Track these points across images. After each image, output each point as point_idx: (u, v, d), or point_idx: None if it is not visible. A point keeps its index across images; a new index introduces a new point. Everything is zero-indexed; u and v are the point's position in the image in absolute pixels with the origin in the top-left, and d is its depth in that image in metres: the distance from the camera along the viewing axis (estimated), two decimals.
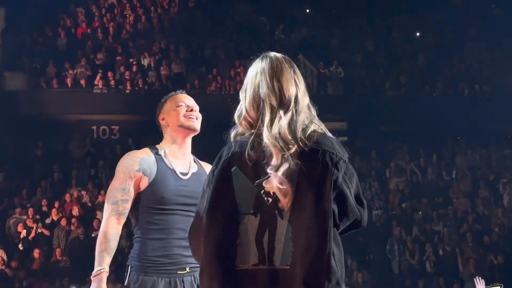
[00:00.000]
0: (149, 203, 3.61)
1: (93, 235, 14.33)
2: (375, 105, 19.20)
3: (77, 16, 20.69)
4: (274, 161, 2.39)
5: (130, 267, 3.61)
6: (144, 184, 3.62)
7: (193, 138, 3.90)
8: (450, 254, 14.98)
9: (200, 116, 3.82)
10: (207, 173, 2.76)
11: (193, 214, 2.65)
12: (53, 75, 18.75)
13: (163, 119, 3.84)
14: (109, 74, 18.76)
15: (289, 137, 2.40)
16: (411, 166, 18.09)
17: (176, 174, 3.67)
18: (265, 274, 2.37)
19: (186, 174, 3.71)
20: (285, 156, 2.37)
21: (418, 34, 22.32)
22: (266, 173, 2.41)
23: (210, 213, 2.45)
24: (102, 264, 3.45)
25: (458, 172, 17.89)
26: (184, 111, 3.78)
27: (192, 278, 3.59)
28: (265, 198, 2.41)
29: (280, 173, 2.36)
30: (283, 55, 2.61)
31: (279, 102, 2.47)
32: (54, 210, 14.99)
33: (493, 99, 19.59)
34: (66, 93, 18.62)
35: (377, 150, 18.82)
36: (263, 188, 2.40)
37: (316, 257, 2.32)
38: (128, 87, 18.69)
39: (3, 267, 13.52)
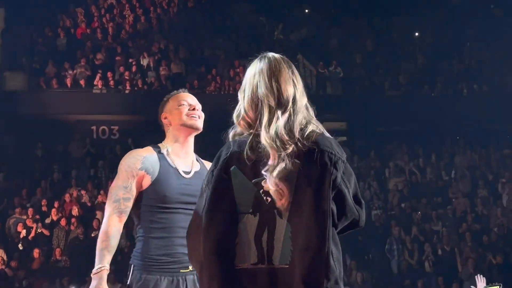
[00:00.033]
0: (152, 202, 3.61)
1: (92, 235, 14.34)
2: (374, 105, 19.22)
3: (77, 16, 20.69)
4: (270, 162, 2.40)
5: (133, 266, 3.61)
6: (146, 182, 3.62)
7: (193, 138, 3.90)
8: (449, 254, 14.99)
9: (202, 114, 3.82)
10: None
11: None
12: (52, 75, 18.75)
13: (165, 118, 3.83)
14: (109, 74, 18.77)
15: (286, 137, 2.41)
16: (410, 166, 18.11)
17: (179, 172, 3.67)
18: (264, 273, 2.39)
19: (189, 172, 3.70)
20: (282, 156, 2.38)
21: (417, 34, 22.33)
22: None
23: (209, 212, 2.46)
24: (103, 262, 3.44)
25: (457, 172, 17.91)
26: (187, 110, 3.77)
27: (195, 277, 3.58)
28: (264, 198, 2.42)
29: (275, 173, 2.38)
30: (281, 56, 2.62)
31: (277, 102, 2.48)
32: (53, 210, 15.00)
33: (492, 99, 19.61)
34: (66, 93, 18.62)
35: (376, 150, 18.83)
36: (262, 187, 2.41)
37: (315, 256, 2.34)
38: (128, 87, 18.70)
39: (3, 267, 13.52)
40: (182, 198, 3.59)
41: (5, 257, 13.76)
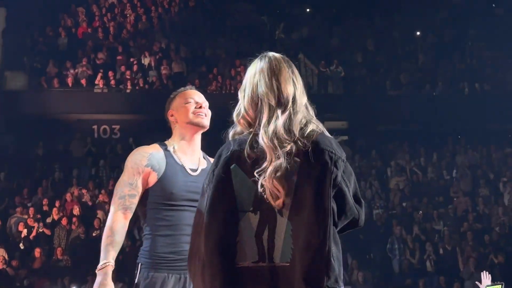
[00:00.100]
0: (158, 199, 3.60)
1: (94, 235, 14.36)
2: (375, 104, 19.22)
3: (78, 15, 20.71)
4: (267, 161, 2.42)
5: (140, 265, 3.60)
6: (152, 179, 3.61)
7: None
8: (450, 253, 14.99)
9: (209, 112, 3.80)
10: None
11: None
12: (53, 74, 18.77)
13: (172, 115, 3.80)
14: (110, 73, 18.78)
15: (286, 136, 2.43)
16: (411, 165, 18.10)
17: (186, 170, 3.66)
18: (265, 271, 2.40)
19: (196, 170, 3.69)
20: (278, 155, 2.40)
21: (418, 33, 22.33)
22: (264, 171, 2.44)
23: (210, 211, 2.47)
24: (108, 257, 3.43)
25: (458, 171, 17.90)
26: (193, 107, 3.75)
27: None
28: (265, 196, 2.43)
29: (270, 173, 2.39)
30: (281, 55, 2.64)
31: (277, 101, 2.50)
32: (55, 209, 15.01)
33: (494, 98, 19.60)
34: (67, 92, 18.65)
35: (378, 149, 18.84)
36: (262, 186, 2.42)
37: (316, 254, 2.35)
38: (129, 87, 18.71)
39: (4, 266, 13.53)
40: (189, 196, 3.58)
41: (6, 257, 13.77)
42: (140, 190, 3.61)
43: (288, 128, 2.45)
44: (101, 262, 3.44)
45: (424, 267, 14.91)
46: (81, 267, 13.59)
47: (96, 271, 3.44)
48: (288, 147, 2.41)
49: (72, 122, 19.05)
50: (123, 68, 19.00)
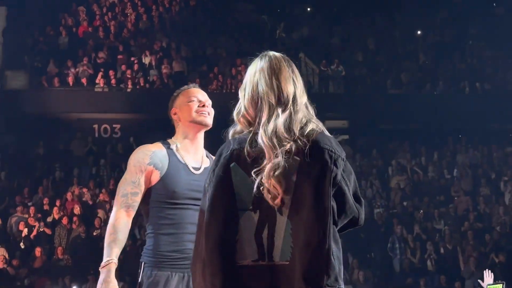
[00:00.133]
0: (161, 198, 3.59)
1: (94, 234, 14.37)
2: (376, 104, 19.23)
3: (78, 15, 20.72)
4: (265, 160, 2.43)
5: (144, 263, 3.59)
6: (155, 178, 3.60)
7: None
8: (451, 252, 15.00)
9: (212, 111, 3.79)
10: None
11: None
12: (54, 74, 18.77)
13: (175, 113, 3.79)
14: (111, 72, 18.78)
15: (286, 134, 2.44)
16: (412, 164, 18.10)
17: (188, 168, 3.65)
18: (265, 270, 2.40)
19: (199, 168, 3.68)
20: (277, 154, 2.41)
21: (419, 32, 22.33)
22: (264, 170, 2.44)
23: (211, 211, 2.48)
24: (111, 255, 3.42)
25: (459, 170, 17.90)
26: (196, 106, 3.74)
27: None
28: (264, 195, 2.43)
29: (267, 170, 2.40)
30: (282, 54, 2.64)
31: (277, 100, 2.51)
32: (55, 208, 15.01)
33: (494, 97, 19.61)
34: (68, 91, 18.66)
35: (378, 148, 18.84)
36: (262, 184, 2.42)
37: (316, 253, 2.36)
38: (130, 86, 18.71)
39: (5, 265, 13.54)
40: (191, 194, 3.57)
41: (7, 256, 13.77)
42: (142, 188, 3.60)
43: (289, 127, 2.46)
44: (104, 260, 3.43)
45: (425, 266, 14.92)
46: (82, 267, 13.60)
47: (100, 269, 3.43)
48: (288, 146, 2.41)
49: (73, 121, 19.05)
50: (123, 67, 19.00)
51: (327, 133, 2.52)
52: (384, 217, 15.81)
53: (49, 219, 14.97)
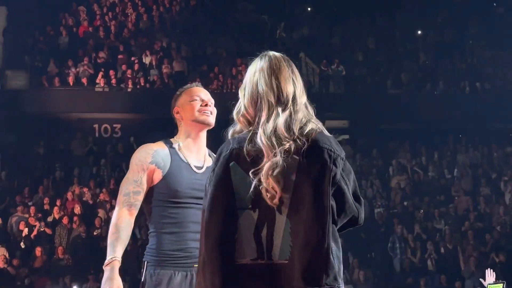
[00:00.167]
0: (163, 197, 3.59)
1: (95, 234, 14.38)
2: (376, 104, 19.23)
3: (79, 14, 20.72)
4: (264, 159, 2.43)
5: (147, 263, 3.59)
6: (157, 177, 3.60)
7: None
8: (451, 252, 15.00)
9: (215, 110, 3.77)
10: None
11: None
12: (54, 73, 18.78)
13: (177, 112, 3.78)
14: (111, 72, 18.78)
15: (286, 134, 2.45)
16: (412, 164, 18.10)
17: (191, 167, 3.65)
18: (264, 269, 2.41)
19: (201, 168, 3.68)
20: (275, 153, 2.41)
21: (419, 32, 22.33)
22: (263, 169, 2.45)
23: (210, 209, 2.49)
24: (114, 253, 3.41)
25: (459, 170, 17.90)
26: (199, 105, 3.73)
27: None
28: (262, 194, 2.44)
29: (266, 170, 2.41)
30: (281, 54, 2.66)
31: (276, 100, 2.52)
32: (56, 208, 15.02)
33: (495, 97, 19.61)
34: (68, 91, 18.66)
35: (379, 148, 18.84)
36: (261, 183, 2.43)
37: (315, 252, 2.37)
38: (130, 86, 18.72)
39: (5, 265, 13.54)
40: (194, 193, 3.56)
41: (7, 256, 13.78)
42: (145, 187, 3.60)
43: (288, 127, 2.47)
44: (107, 258, 3.42)
45: (425, 266, 14.92)
46: (82, 266, 13.62)
47: (103, 267, 3.42)
48: (287, 145, 2.42)
49: (73, 121, 19.06)
50: (124, 67, 19.00)
51: (326, 132, 2.52)
52: (384, 217, 15.81)
53: (50, 219, 14.98)
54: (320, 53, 20.60)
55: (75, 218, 14.67)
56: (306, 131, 2.47)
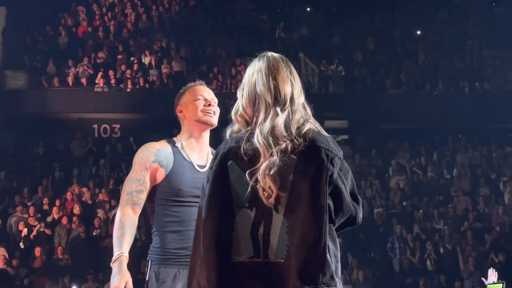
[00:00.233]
0: (166, 195, 3.59)
1: (94, 234, 14.37)
2: (376, 104, 19.23)
3: (78, 14, 20.73)
4: (261, 159, 2.45)
5: (151, 262, 3.60)
6: (160, 175, 3.60)
7: None
8: (450, 252, 14.99)
9: (218, 110, 3.76)
10: None
11: None
12: (54, 73, 18.78)
13: (180, 111, 3.77)
14: (110, 72, 18.79)
15: (283, 134, 2.46)
16: (411, 164, 18.10)
17: (193, 166, 3.65)
18: (260, 267, 2.42)
19: (204, 166, 3.67)
20: (272, 153, 2.43)
21: (418, 32, 22.32)
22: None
23: (208, 208, 2.51)
24: (120, 249, 3.39)
25: (458, 170, 17.90)
26: (202, 105, 3.72)
27: None
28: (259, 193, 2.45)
29: (262, 169, 2.43)
30: (280, 55, 2.67)
31: (274, 100, 2.54)
32: (55, 208, 15.01)
33: (494, 97, 19.62)
34: (67, 91, 18.66)
35: (378, 148, 18.84)
36: (258, 182, 2.44)
37: (311, 250, 2.38)
38: (129, 86, 18.72)
39: (5, 265, 13.54)
40: (197, 192, 3.51)
41: (6, 256, 13.77)
42: (147, 185, 3.59)
43: (286, 127, 2.48)
44: (114, 254, 3.40)
45: (425, 266, 14.91)
46: (82, 266, 13.61)
47: (111, 264, 3.39)
48: (283, 145, 2.44)
49: (73, 121, 19.06)
50: (123, 67, 19.01)
51: (324, 132, 2.54)
52: (383, 217, 15.80)
53: (49, 219, 14.98)
54: (319, 53, 20.61)
55: (74, 218, 14.66)
56: (303, 131, 2.49)
